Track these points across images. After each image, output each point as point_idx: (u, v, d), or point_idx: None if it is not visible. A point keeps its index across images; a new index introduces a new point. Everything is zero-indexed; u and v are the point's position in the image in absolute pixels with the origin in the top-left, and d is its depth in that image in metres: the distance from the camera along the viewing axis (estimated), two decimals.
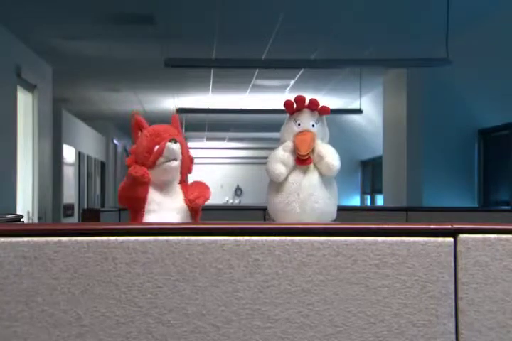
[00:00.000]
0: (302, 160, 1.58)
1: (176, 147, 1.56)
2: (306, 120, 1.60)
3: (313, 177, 1.58)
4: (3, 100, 5.85)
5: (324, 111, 1.61)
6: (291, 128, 1.61)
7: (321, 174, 1.59)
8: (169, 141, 1.55)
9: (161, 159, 1.55)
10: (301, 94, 1.62)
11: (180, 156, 1.57)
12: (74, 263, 1.22)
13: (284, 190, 1.59)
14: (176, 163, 1.56)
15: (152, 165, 1.55)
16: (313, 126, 1.60)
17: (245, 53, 6.61)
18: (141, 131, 1.60)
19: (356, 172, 12.50)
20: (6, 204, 5.86)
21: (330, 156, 1.58)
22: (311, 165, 1.59)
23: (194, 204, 1.57)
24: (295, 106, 1.61)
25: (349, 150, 11.89)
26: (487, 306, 1.24)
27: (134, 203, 1.56)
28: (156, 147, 1.55)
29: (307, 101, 1.60)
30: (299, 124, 1.60)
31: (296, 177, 1.59)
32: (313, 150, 1.59)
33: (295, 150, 1.58)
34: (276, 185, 1.60)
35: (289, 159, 1.60)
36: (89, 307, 1.22)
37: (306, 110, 1.60)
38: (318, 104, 1.61)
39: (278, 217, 1.60)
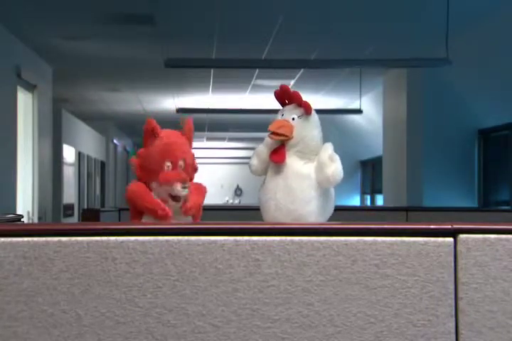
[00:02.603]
0: (275, 156, 1.55)
1: (184, 193, 1.56)
2: (289, 112, 1.58)
3: (291, 177, 1.54)
4: (3, 100, 5.85)
5: (306, 107, 1.57)
6: (276, 119, 1.60)
7: (308, 177, 1.54)
8: (181, 186, 1.55)
9: (167, 188, 1.55)
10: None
11: (185, 197, 1.58)
12: (74, 263, 1.22)
13: (265, 186, 1.58)
14: (178, 203, 1.57)
15: (158, 183, 1.56)
16: (293, 119, 1.57)
17: (245, 53, 6.60)
18: (154, 137, 1.59)
19: (356, 173, 12.50)
20: (6, 204, 5.86)
21: (333, 167, 1.54)
22: (294, 167, 1.55)
23: (187, 215, 1.58)
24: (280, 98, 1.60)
25: (349, 150, 11.88)
26: (487, 306, 1.24)
27: (139, 209, 1.57)
28: (167, 164, 1.56)
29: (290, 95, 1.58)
30: (282, 115, 1.59)
31: (274, 174, 1.56)
32: (308, 152, 1.56)
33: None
34: (263, 181, 1.59)
35: (263, 152, 1.58)
36: (89, 307, 1.22)
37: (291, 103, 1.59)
38: (298, 97, 1.57)
39: (262, 214, 1.59)
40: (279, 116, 1.60)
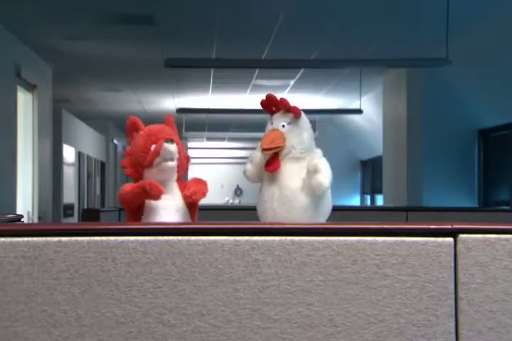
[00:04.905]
0: (270, 166, 1.54)
1: (172, 147, 1.56)
2: (278, 120, 1.57)
3: (286, 187, 1.53)
4: (3, 100, 5.85)
5: (295, 111, 1.56)
6: (267, 128, 1.59)
7: (302, 186, 1.52)
8: (166, 142, 1.55)
9: (158, 159, 1.55)
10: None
11: (177, 156, 1.57)
12: (74, 263, 1.22)
13: (262, 195, 1.57)
14: (172, 163, 1.57)
15: (149, 165, 1.55)
16: (283, 126, 1.56)
17: (245, 53, 6.61)
18: (137, 132, 1.60)
19: (356, 172, 12.50)
20: (6, 204, 5.86)
21: (323, 173, 1.50)
22: (288, 175, 1.53)
23: (191, 199, 1.57)
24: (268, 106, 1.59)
25: (349, 150, 11.89)
26: (487, 306, 1.24)
27: (135, 206, 1.56)
28: (153, 146, 1.55)
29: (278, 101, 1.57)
30: (271, 123, 1.58)
31: (270, 183, 1.55)
32: (290, 157, 1.54)
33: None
34: (259, 189, 1.59)
35: (257, 157, 1.58)
36: (89, 307, 1.22)
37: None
38: (286, 104, 1.56)
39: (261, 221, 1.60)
40: (268, 125, 1.59)
